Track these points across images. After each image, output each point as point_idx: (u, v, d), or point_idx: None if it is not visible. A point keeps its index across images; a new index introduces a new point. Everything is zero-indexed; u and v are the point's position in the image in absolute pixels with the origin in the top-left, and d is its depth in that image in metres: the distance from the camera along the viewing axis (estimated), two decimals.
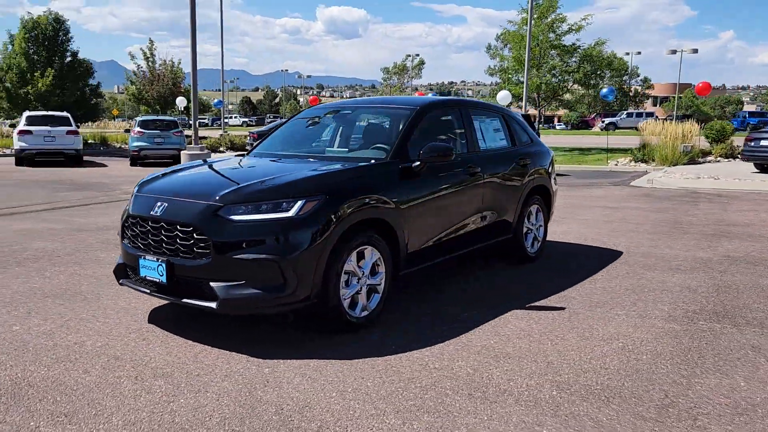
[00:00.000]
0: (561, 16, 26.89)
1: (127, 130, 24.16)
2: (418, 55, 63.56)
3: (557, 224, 8.65)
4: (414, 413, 3.04)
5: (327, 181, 4.16)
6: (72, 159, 19.83)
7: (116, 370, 3.51)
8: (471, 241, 5.44)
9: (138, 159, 20.49)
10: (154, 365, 3.60)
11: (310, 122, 5.89)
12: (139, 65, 35.70)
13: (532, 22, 23.62)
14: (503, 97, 26.09)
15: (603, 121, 55.35)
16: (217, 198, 3.85)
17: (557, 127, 64.86)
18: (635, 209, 10.29)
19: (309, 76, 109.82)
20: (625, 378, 3.47)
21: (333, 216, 3.90)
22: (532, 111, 29.84)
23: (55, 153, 19.77)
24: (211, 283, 3.72)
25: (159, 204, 4.02)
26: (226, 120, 53.56)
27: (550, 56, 27.17)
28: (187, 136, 22.04)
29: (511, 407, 3.11)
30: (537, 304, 4.87)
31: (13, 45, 30.82)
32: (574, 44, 27.23)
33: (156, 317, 4.47)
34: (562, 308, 4.78)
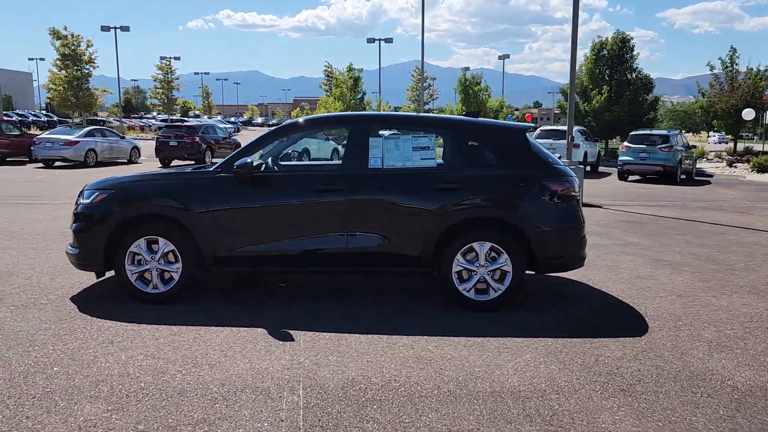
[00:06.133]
0: None
1: None
2: None
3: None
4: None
5: (119, 181, 5.42)
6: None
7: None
8: (335, 262, 5.19)
9: (623, 173, 20.84)
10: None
11: None
12: (716, 75, 33.48)
13: None
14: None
15: None
16: (83, 186, 5.74)
17: None
18: None
19: None
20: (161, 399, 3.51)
21: (114, 207, 5.22)
22: None
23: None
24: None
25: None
26: None
27: None
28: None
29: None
30: (327, 333, 4.58)
31: (584, 64, 34.43)
32: None
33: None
34: (341, 339, 4.46)
